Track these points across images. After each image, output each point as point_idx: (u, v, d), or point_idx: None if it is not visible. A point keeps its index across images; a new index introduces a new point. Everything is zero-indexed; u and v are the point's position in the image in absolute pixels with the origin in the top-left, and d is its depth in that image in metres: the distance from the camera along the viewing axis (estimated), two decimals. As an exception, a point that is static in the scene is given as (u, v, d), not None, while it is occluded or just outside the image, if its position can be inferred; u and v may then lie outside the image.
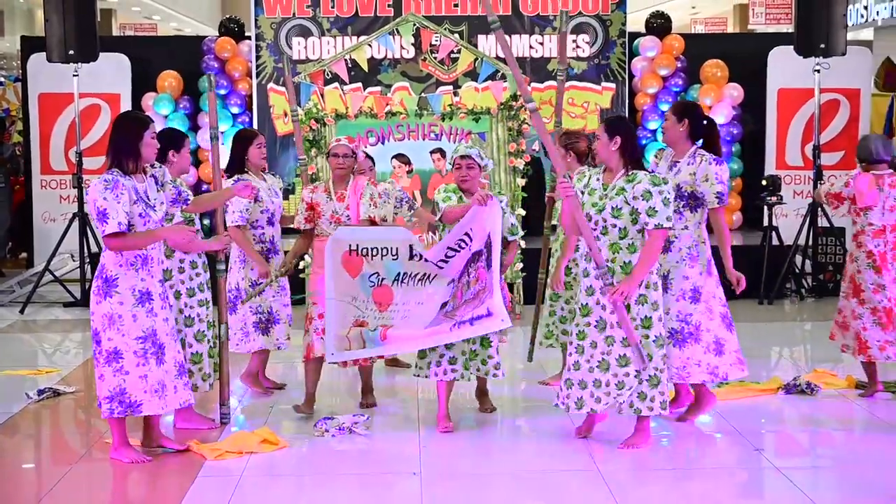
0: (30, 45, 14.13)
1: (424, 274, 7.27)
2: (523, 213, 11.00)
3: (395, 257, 7.28)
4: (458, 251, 7.17)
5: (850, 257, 8.10)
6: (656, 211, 6.47)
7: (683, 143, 7.25)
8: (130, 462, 6.52)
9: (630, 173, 6.59)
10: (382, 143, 11.16)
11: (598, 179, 6.76)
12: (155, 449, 6.74)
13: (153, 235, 6.41)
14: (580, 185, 6.80)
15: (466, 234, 7.15)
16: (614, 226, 6.57)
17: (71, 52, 11.89)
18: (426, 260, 7.23)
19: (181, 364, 6.65)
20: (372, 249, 7.29)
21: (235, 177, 7.93)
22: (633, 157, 6.64)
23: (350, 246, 7.29)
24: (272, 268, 7.98)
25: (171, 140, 7.36)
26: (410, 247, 7.26)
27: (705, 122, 7.31)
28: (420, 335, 7.28)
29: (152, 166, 6.62)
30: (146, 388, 6.43)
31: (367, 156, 8.83)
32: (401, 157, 11.29)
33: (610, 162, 6.72)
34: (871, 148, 8.07)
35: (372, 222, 7.55)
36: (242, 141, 8.15)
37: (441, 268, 7.22)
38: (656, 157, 7.45)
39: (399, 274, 7.28)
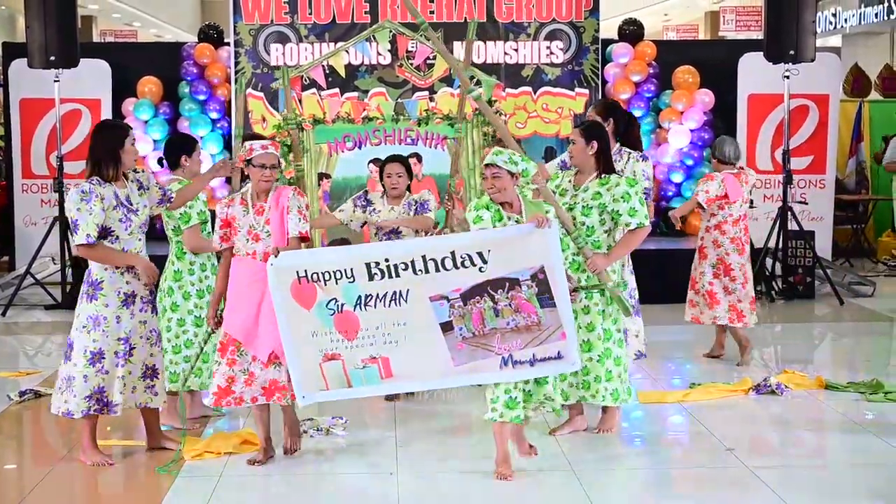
0: (11, 50, 14.07)
1: (394, 292, 6.27)
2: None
3: (352, 279, 6.28)
4: (454, 269, 6.21)
5: (715, 244, 9.05)
6: (636, 210, 6.71)
7: (593, 167, 7.22)
8: (93, 464, 6.57)
9: (603, 177, 6.73)
10: (359, 147, 11.12)
11: (569, 181, 6.96)
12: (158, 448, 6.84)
13: (125, 258, 6.45)
14: (552, 185, 6.91)
15: (479, 253, 6.20)
16: (583, 223, 6.78)
17: (52, 57, 11.84)
18: (389, 274, 6.25)
19: (150, 366, 6.67)
20: (324, 274, 6.30)
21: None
22: (607, 162, 6.80)
23: (297, 273, 6.31)
24: None
25: (183, 145, 7.60)
26: (367, 266, 6.28)
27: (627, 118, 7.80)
28: (450, 371, 6.33)
29: (135, 171, 6.63)
30: (122, 388, 6.48)
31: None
32: (377, 162, 11.25)
33: (585, 165, 6.91)
34: (727, 150, 9.16)
35: (303, 239, 6.59)
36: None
37: (416, 273, 6.24)
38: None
39: (360, 297, 6.29)
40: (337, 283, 6.28)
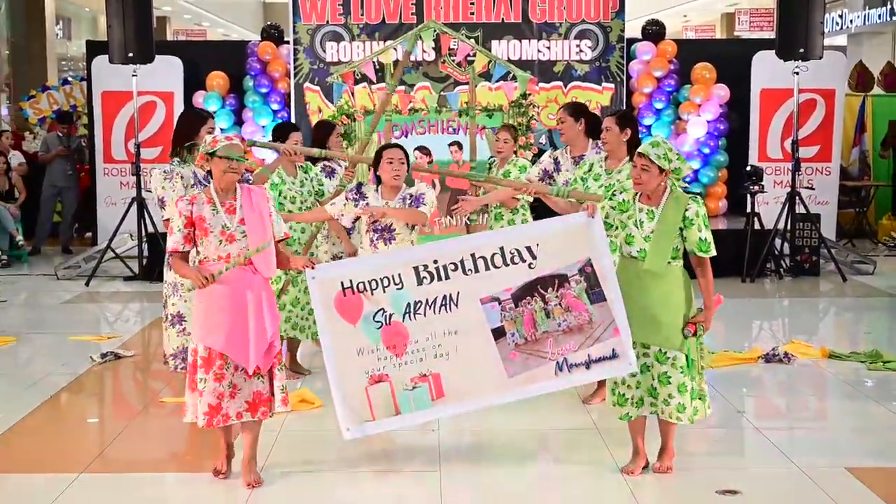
0: (94, 48, 14.16)
1: (445, 296, 5.53)
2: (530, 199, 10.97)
3: (400, 286, 5.53)
4: (504, 266, 5.55)
5: None
6: None
7: (583, 141, 7.16)
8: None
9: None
10: (406, 136, 11.14)
11: (601, 166, 6.75)
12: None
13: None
14: (581, 171, 6.80)
15: (528, 248, 5.54)
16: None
17: (130, 54, 11.92)
18: (439, 276, 5.55)
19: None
20: (371, 282, 5.53)
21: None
22: (636, 148, 6.61)
23: (342, 283, 5.54)
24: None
25: (282, 130, 7.72)
26: (415, 269, 5.56)
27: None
28: (505, 384, 5.53)
29: None
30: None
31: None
32: (422, 149, 11.27)
33: (618, 151, 6.65)
34: None
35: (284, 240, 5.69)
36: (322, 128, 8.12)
37: (467, 273, 5.55)
38: (551, 155, 7.36)
39: (409, 305, 5.53)
40: (385, 290, 5.52)
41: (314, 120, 13.50)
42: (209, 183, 5.51)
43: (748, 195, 12.13)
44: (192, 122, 6.82)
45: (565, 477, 5.77)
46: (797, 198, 12.04)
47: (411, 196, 6.42)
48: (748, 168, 12.32)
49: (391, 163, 6.31)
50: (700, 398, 5.65)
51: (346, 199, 6.49)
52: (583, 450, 6.14)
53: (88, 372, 7.95)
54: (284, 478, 5.75)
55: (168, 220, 6.30)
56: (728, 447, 6.47)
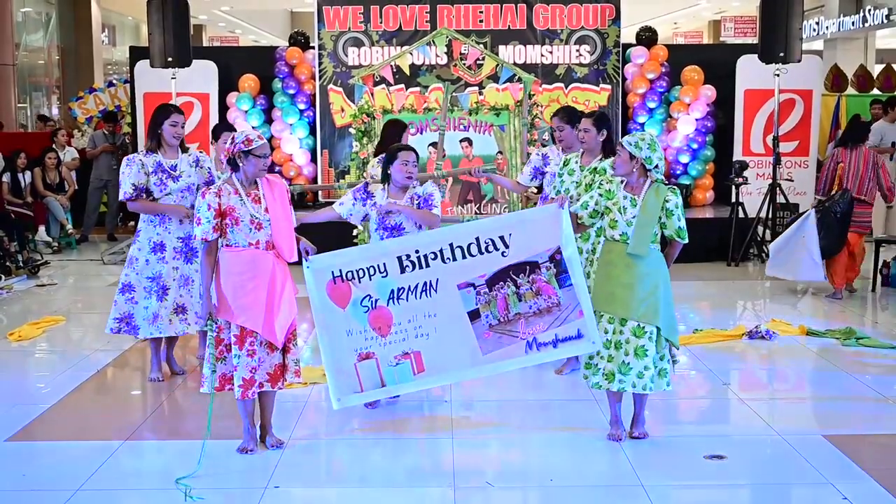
0: (136, 53, 14.14)
1: (425, 283, 5.60)
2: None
3: (385, 274, 5.62)
4: (479, 254, 5.59)
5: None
6: None
7: (599, 152, 6.89)
8: (151, 380, 7.05)
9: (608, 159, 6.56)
10: (421, 133, 11.12)
11: (576, 162, 6.89)
12: None
13: (155, 207, 6.71)
14: (561, 167, 6.94)
15: (501, 237, 5.59)
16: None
17: (169, 59, 11.92)
18: (420, 264, 5.60)
19: (180, 305, 6.86)
20: (358, 271, 5.63)
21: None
22: (612, 146, 6.67)
23: (333, 273, 5.64)
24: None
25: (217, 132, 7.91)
26: (399, 259, 5.62)
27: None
28: (479, 360, 5.61)
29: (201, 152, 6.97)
30: (147, 317, 6.83)
31: None
32: (435, 146, 11.26)
33: (595, 150, 6.81)
34: None
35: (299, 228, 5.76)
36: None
37: (445, 262, 5.60)
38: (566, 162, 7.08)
39: (392, 291, 5.62)
40: (371, 278, 5.61)
41: (338, 119, 13.50)
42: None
43: (733, 186, 12.09)
44: (156, 115, 6.97)
45: (566, 443, 5.76)
46: (778, 189, 12.00)
47: (419, 197, 6.16)
48: (736, 162, 12.28)
49: (406, 164, 6.10)
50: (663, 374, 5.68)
51: (354, 198, 6.22)
52: (582, 419, 6.13)
53: (132, 348, 7.96)
54: (311, 443, 5.77)
55: (122, 201, 6.90)
56: (714, 416, 6.47)
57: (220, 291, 5.40)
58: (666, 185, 5.60)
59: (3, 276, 10.70)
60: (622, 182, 5.64)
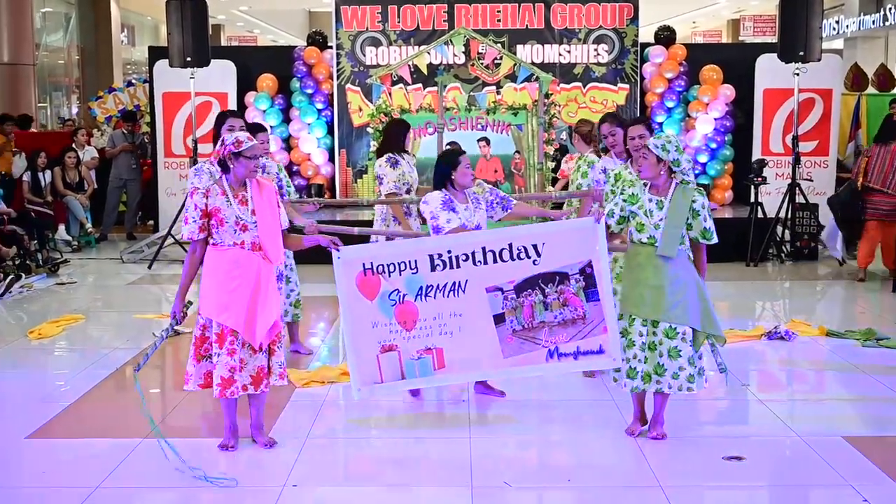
0: (155, 53, 14.19)
1: (454, 283, 5.62)
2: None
3: (415, 271, 5.63)
4: (510, 260, 5.60)
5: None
6: None
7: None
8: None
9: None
10: (438, 133, 11.13)
11: (630, 172, 6.61)
12: None
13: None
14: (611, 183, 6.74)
15: (534, 245, 5.59)
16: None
17: (188, 59, 11.95)
18: (450, 264, 5.61)
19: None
20: (389, 266, 5.64)
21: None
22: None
23: (364, 265, 5.65)
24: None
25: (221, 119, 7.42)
26: (430, 257, 5.64)
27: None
28: (499, 363, 5.65)
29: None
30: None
31: None
32: (453, 144, 11.26)
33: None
34: None
35: (292, 230, 5.85)
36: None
37: (476, 264, 5.61)
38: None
39: (421, 288, 5.63)
40: (401, 273, 5.63)
41: (355, 118, 13.52)
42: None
43: (752, 186, 12.05)
44: (216, 123, 6.94)
45: (583, 442, 5.76)
46: (797, 189, 11.95)
47: (484, 196, 6.31)
48: (755, 162, 12.25)
49: (468, 168, 6.14)
50: (700, 373, 5.67)
51: (451, 210, 6.06)
52: (600, 419, 6.12)
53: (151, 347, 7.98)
54: (329, 442, 5.78)
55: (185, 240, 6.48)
56: (733, 417, 6.45)
57: (204, 288, 5.45)
58: (691, 185, 5.56)
59: (23, 275, 10.75)
60: (646, 185, 5.62)
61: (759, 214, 11.93)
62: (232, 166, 5.43)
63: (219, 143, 5.50)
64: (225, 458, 5.40)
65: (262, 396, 5.60)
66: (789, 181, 12.09)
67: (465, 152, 6.30)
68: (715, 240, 5.58)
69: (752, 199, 12.03)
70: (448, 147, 7.53)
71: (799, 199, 11.99)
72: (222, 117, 6.93)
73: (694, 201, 5.50)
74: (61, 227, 13.79)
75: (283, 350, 5.64)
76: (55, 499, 5.01)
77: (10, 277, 10.29)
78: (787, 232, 12.14)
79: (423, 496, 5.06)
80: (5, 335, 8.57)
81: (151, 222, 14.44)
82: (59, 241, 13.40)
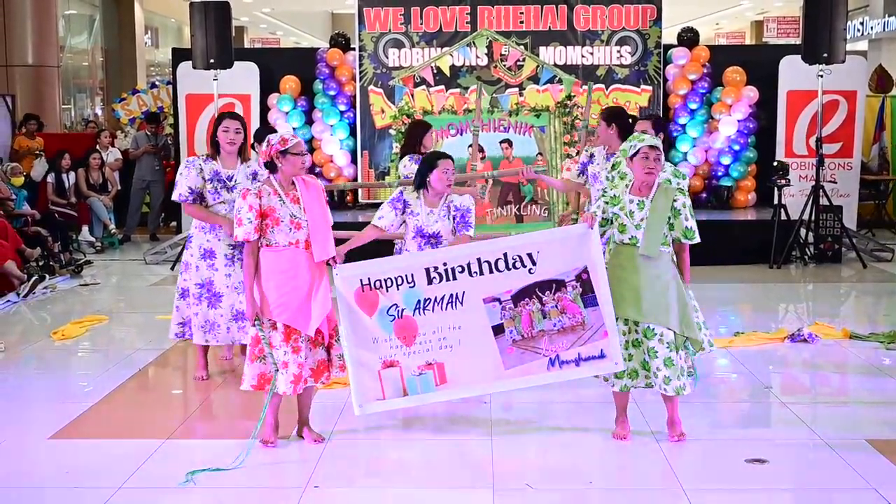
0: (179, 55, 14.26)
1: (451, 295, 5.62)
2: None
3: (412, 284, 5.62)
4: (506, 270, 5.62)
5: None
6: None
7: (616, 142, 6.95)
8: (195, 378, 7.08)
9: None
10: (461, 134, 11.13)
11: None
12: None
13: (209, 216, 6.72)
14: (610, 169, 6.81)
15: (529, 254, 5.62)
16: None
17: (211, 60, 12.00)
18: (447, 277, 5.61)
19: (239, 311, 6.77)
20: (386, 280, 5.64)
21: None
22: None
23: (361, 281, 5.64)
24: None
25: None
26: (426, 270, 5.64)
27: (630, 120, 7.29)
28: (501, 375, 5.65)
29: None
30: (199, 322, 6.84)
31: None
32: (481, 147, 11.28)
33: (613, 145, 6.95)
34: None
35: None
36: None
37: (472, 276, 5.61)
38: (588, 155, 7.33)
39: (419, 302, 5.63)
40: (398, 288, 5.62)
41: (377, 120, 13.54)
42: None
43: (775, 188, 12.01)
44: (215, 124, 6.98)
45: (606, 445, 5.74)
46: (821, 191, 11.90)
47: (457, 209, 6.16)
48: (775, 163, 12.20)
49: (446, 172, 6.11)
50: (689, 374, 5.67)
51: (393, 209, 6.18)
52: (622, 421, 6.10)
53: (173, 347, 8.02)
54: (350, 443, 5.78)
55: (175, 200, 6.97)
56: (756, 420, 6.42)
57: (262, 291, 5.49)
58: (674, 185, 5.64)
59: (47, 276, 10.82)
60: (627, 186, 5.67)
61: (783, 216, 11.88)
62: (280, 165, 5.50)
63: (265, 143, 5.56)
64: (249, 458, 5.40)
65: (312, 391, 5.76)
66: (813, 183, 12.04)
67: (451, 157, 6.23)
68: (697, 239, 5.62)
69: (776, 202, 11.99)
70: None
71: (823, 201, 11.93)
72: (219, 119, 6.98)
73: (675, 201, 5.55)
74: (85, 229, 13.89)
75: (340, 343, 5.71)
76: (78, 499, 5.04)
77: (33, 278, 10.36)
78: (810, 234, 12.09)
79: (445, 498, 5.06)
80: (29, 336, 8.63)
81: (174, 223, 14.51)
82: (82, 243, 13.51)
